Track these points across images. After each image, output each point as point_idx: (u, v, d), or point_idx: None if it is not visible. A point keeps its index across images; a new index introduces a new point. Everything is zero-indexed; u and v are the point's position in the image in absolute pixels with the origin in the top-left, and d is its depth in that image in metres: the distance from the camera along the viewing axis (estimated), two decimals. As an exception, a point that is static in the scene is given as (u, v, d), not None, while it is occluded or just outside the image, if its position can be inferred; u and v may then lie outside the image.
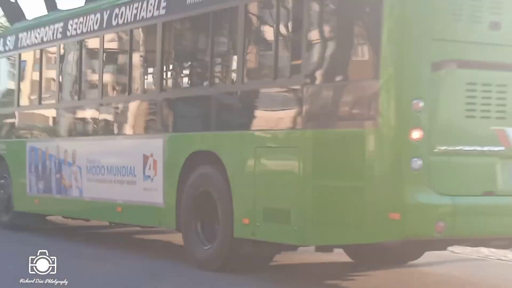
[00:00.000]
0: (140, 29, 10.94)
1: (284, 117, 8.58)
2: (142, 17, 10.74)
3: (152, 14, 10.55)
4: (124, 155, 10.94)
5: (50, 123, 12.93)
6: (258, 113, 9.02)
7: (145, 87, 10.92)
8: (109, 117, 11.55)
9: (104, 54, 11.65)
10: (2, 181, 14.05)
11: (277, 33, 8.71)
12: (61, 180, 12.31)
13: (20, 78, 13.81)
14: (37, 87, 13.33)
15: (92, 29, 11.83)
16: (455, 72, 7.49)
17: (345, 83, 7.93)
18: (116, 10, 11.32)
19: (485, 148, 7.60)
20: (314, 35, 8.26)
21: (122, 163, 10.93)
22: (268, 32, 9.01)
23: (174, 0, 10.24)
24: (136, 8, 10.88)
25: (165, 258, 10.66)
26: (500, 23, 7.67)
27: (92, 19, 11.86)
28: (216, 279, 8.90)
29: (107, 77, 11.70)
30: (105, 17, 11.56)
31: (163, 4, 10.37)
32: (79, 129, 12.23)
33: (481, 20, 7.60)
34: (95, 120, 11.79)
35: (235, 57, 9.26)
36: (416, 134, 7.27)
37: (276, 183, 8.56)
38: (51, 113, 12.87)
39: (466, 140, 7.53)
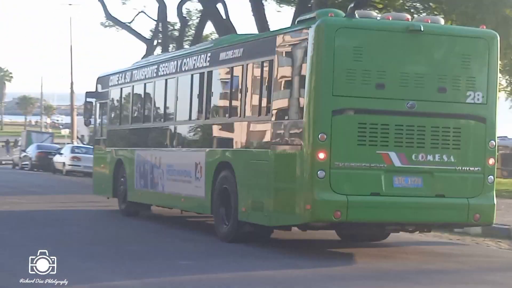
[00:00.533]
0: (196, 75, 15.69)
1: (262, 140, 13.12)
2: (197, 66, 15.52)
3: (202, 65, 15.31)
4: (185, 162, 15.74)
5: (147, 137, 17.93)
6: (250, 137, 13.58)
7: (197, 116, 15.64)
8: (178, 135, 16.45)
9: (178, 92, 16.47)
10: (122, 179, 19.17)
11: (260, 86, 13.29)
12: (152, 179, 17.29)
13: (133, 104, 18.95)
14: (141, 112, 18.43)
15: (170, 72, 16.73)
16: (351, 116, 11.79)
17: (290, 121, 12.36)
18: (184, 60, 16.17)
19: (373, 165, 11.84)
20: (276, 90, 12.75)
21: (184, 168, 15.74)
22: (256, 85, 13.53)
23: (212, 57, 14.97)
24: (195, 59, 15.68)
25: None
26: (384, 84, 11.89)
27: (172, 65, 16.77)
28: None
29: (178, 108, 16.51)
30: (179, 64, 16.43)
31: (207, 59, 15.12)
32: (162, 142, 17.17)
33: (370, 82, 11.84)
34: (171, 137, 16.72)
35: (240, 100, 13.86)
36: (321, 155, 11.63)
37: (257, 184, 13.10)
38: (148, 130, 17.90)
39: (358, 159, 11.78)
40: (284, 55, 12.76)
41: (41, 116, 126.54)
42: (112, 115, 20.18)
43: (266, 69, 13.15)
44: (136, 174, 18.20)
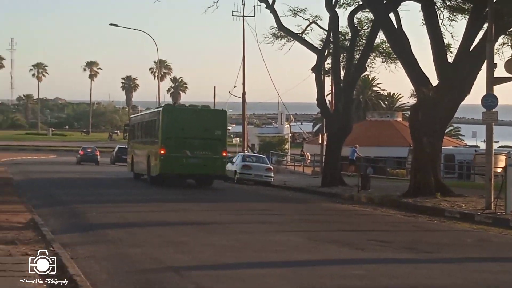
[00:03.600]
0: (146, 122, 40.70)
1: (154, 145, 37.92)
2: (146, 119, 40.58)
3: (147, 118, 40.35)
4: (143, 153, 40.63)
5: (138, 144, 43.10)
6: (153, 145, 38.34)
7: (147, 136, 40.62)
8: (143, 144, 41.44)
9: (145, 127, 41.52)
10: (133, 162, 44.30)
11: (157, 127, 38.13)
12: (137, 160, 42.30)
13: (135, 131, 44.21)
14: (137, 134, 43.67)
15: (142, 120, 41.95)
16: (173, 138, 36.52)
17: (158, 139, 37.00)
18: (145, 114, 41.34)
19: (182, 155, 36.39)
20: (158, 129, 37.57)
21: (143, 155, 40.62)
22: (157, 127, 38.37)
23: (150, 114, 40.00)
24: (147, 115, 40.76)
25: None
26: (184, 128, 36.45)
27: (143, 116, 41.92)
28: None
29: (145, 133, 41.59)
30: (143, 116, 41.57)
31: (148, 115, 40.18)
32: (139, 147, 42.25)
33: (179, 128, 36.41)
34: (141, 144, 41.79)
35: (153, 132, 38.80)
36: (162, 151, 36.42)
37: (152, 161, 37.82)
38: (137, 141, 43.15)
39: (176, 152, 36.39)
40: (159, 117, 37.31)
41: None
42: (132, 135, 45.47)
43: (157, 122, 37.83)
44: (135, 159, 43.32)
